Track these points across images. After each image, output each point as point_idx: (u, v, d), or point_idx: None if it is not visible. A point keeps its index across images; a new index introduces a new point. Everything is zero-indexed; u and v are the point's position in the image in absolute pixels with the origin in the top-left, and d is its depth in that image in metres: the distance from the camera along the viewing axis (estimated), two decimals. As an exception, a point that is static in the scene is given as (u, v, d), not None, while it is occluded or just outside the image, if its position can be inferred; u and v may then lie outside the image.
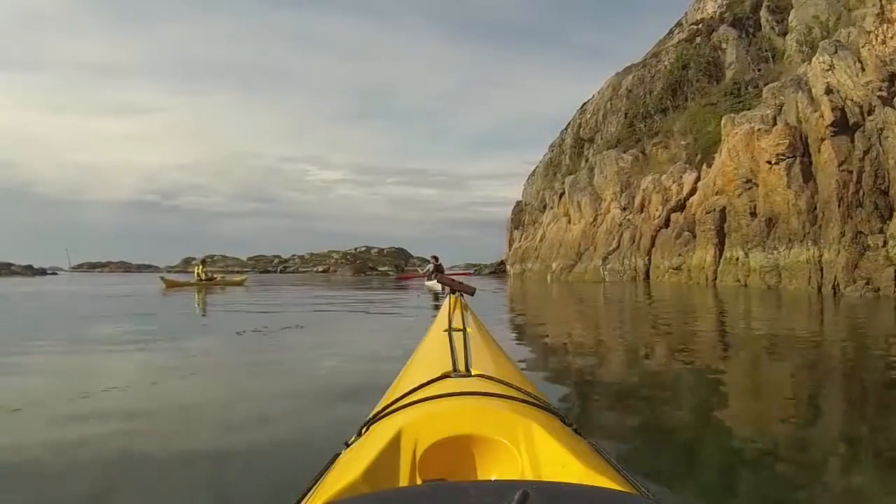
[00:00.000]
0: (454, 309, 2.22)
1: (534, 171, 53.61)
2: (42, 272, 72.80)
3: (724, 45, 34.15)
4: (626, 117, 36.34)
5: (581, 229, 34.82)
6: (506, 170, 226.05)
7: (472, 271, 52.46)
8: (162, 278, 24.25)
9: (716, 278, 21.73)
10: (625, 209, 31.94)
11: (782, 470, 2.67)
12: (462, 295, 2.54)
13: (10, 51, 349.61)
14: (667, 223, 28.26)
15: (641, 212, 30.39)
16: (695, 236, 24.93)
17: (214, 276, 25.47)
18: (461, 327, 1.82)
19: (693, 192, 28.20)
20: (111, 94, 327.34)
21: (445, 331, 1.76)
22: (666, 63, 35.61)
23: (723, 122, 22.31)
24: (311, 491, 0.94)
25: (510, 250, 50.01)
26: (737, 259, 20.32)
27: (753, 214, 19.51)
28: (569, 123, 45.55)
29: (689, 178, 28.90)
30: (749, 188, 19.71)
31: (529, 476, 0.87)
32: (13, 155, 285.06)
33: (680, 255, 25.12)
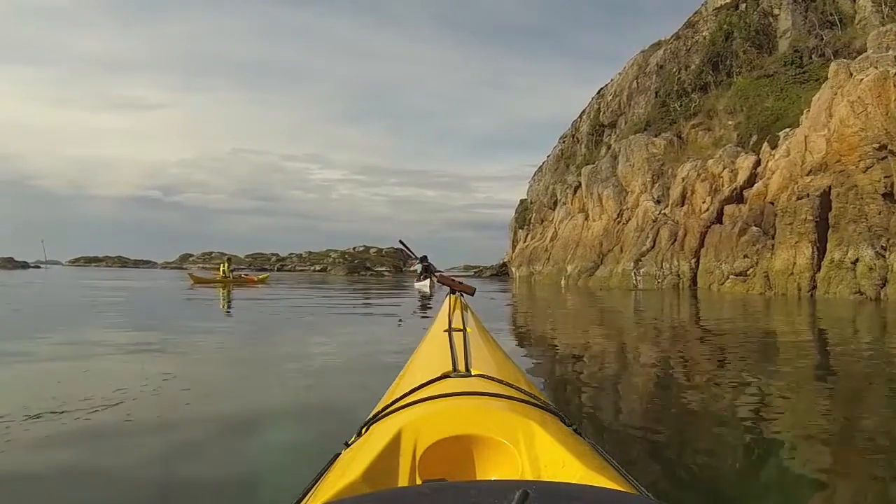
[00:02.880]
0: (454, 309, 2.12)
1: (541, 166, 46.69)
2: (24, 265, 65.66)
3: (776, 11, 27.20)
4: (656, 97, 29.38)
5: (603, 226, 27.80)
6: (508, 172, 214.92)
7: (470, 274, 45.39)
8: (190, 274, 24.61)
9: (814, 288, 14.69)
10: (658, 202, 24.94)
11: None
12: (462, 295, 2.41)
13: (15, 44, 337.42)
14: (719, 217, 21.29)
15: (682, 205, 23.41)
16: (766, 232, 17.93)
17: (241, 274, 25.34)
18: (461, 327, 1.74)
19: (752, 178, 21.25)
20: (115, 89, 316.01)
21: (445, 331, 1.68)
22: (704, 34, 28.67)
23: (831, 70, 15.32)
24: (311, 491, 0.89)
25: (514, 251, 42.96)
26: (855, 261, 13.31)
27: (890, 196, 12.45)
28: (583, 111, 38.56)
29: (745, 162, 21.96)
30: (882, 158, 12.68)
31: (529, 476, 0.83)
32: (15, 147, 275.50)
33: (746, 256, 18.09)
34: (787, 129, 21.27)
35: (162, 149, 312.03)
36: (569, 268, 28.79)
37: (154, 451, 2.44)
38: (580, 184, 32.11)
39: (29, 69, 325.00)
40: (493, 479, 0.87)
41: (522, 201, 49.40)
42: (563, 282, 28.52)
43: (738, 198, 21.34)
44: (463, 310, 2.15)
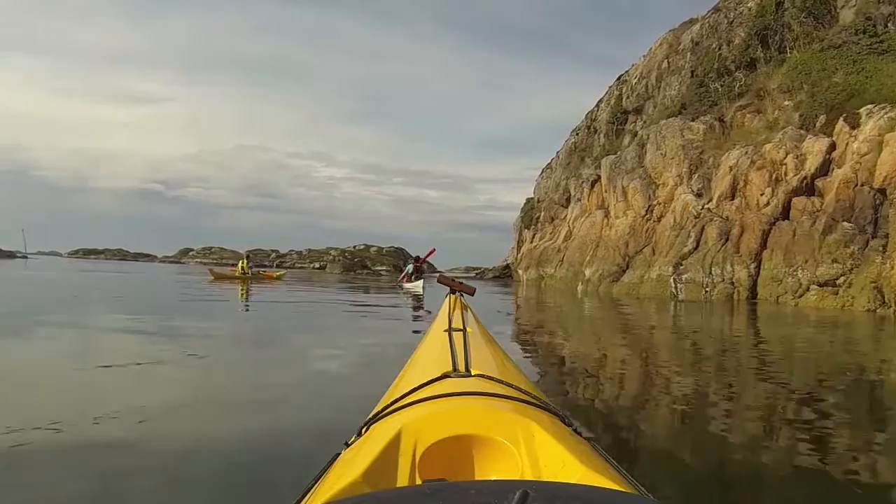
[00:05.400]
0: (454, 309, 2.06)
1: (549, 163, 41.95)
2: (10, 255, 61.08)
3: (837, -23, 22.45)
4: (692, 77, 24.65)
5: (628, 224, 23.06)
6: (511, 174, 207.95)
7: (472, 275, 40.66)
8: (210, 270, 24.91)
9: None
10: (699, 195, 20.22)
11: None
12: (462, 295, 2.33)
13: (20, 33, 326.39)
14: (785, 213, 16.56)
15: (733, 198, 18.67)
16: (862, 230, 13.22)
17: (259, 271, 25.13)
18: (461, 327, 1.67)
19: (825, 164, 16.57)
20: (121, 82, 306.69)
21: (445, 331, 1.63)
22: (750, 5, 23.93)
23: None
24: (311, 491, 0.87)
25: (520, 252, 38.22)
26: None
27: None
28: (601, 99, 33.80)
29: (815, 146, 17.26)
30: None
31: (529, 476, 0.81)
32: (19, 138, 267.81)
33: (836, 261, 13.36)
34: (871, 105, 16.59)
35: (166, 143, 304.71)
36: (587, 271, 24.04)
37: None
38: (599, 177, 27.39)
39: (33, 59, 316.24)
40: (493, 479, 0.84)
41: (529, 200, 44.75)
42: (579, 287, 23.80)
43: (808, 188, 16.64)
44: (463, 310, 2.08)
